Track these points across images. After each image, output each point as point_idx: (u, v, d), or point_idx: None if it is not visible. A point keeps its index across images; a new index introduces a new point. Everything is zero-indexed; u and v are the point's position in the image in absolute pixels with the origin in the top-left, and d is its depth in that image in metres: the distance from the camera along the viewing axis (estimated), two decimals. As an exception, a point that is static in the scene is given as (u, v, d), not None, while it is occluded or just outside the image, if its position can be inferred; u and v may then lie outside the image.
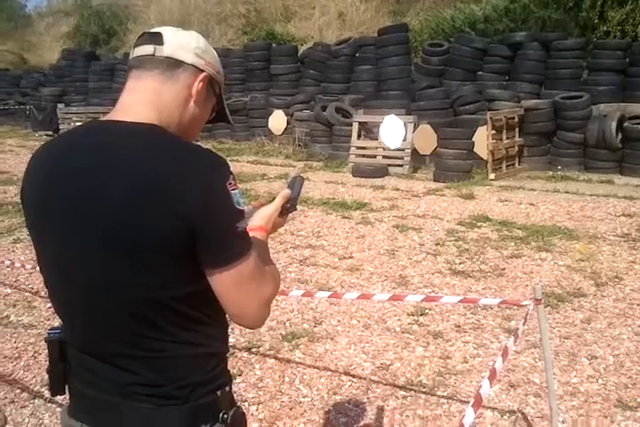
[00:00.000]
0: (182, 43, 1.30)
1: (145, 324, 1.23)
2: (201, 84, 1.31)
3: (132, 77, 1.31)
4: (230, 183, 1.20)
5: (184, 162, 1.18)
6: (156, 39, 1.29)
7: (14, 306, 4.46)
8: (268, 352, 3.64)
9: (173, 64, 1.29)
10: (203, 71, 1.32)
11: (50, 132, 15.27)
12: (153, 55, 1.28)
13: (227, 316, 1.30)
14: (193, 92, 1.31)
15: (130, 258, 1.18)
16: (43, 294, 4.67)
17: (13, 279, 5.01)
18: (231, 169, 1.23)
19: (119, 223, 1.16)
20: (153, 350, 1.26)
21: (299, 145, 11.41)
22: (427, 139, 9.73)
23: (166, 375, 1.27)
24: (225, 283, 1.22)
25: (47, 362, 3.54)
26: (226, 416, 1.30)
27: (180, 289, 1.22)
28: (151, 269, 1.19)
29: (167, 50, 1.28)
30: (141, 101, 1.27)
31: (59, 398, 3.12)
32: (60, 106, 14.06)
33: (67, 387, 1.40)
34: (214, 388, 1.30)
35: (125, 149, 1.19)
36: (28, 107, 16.61)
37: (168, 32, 1.31)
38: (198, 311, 1.25)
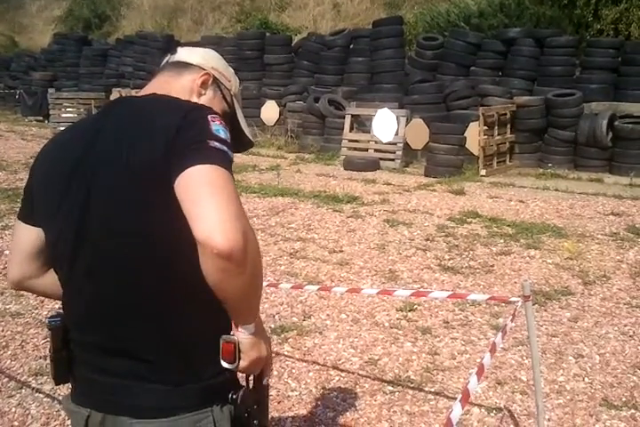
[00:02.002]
0: (192, 51, 1.54)
1: (155, 296, 1.26)
2: (201, 79, 1.48)
3: (152, 79, 1.52)
4: (213, 116, 1.29)
5: (171, 105, 1.34)
6: (173, 50, 1.55)
7: (2, 294, 4.43)
8: (257, 345, 3.64)
9: (182, 65, 1.50)
10: (205, 70, 1.50)
11: (40, 118, 15.14)
12: (167, 62, 1.54)
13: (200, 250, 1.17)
14: (197, 84, 1.48)
15: (128, 191, 1.24)
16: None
17: (1, 267, 4.98)
18: (218, 113, 1.34)
19: (120, 159, 1.25)
20: (164, 328, 1.28)
21: (291, 136, 11.38)
22: (419, 133, 9.74)
23: (177, 355, 1.29)
24: (194, 180, 1.17)
25: (35, 351, 3.52)
26: (235, 397, 1.33)
27: (169, 227, 1.21)
28: (145, 203, 1.23)
29: (177, 56, 1.53)
30: (154, 89, 1.45)
31: (46, 388, 3.14)
32: (50, 91, 13.91)
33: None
34: (222, 368, 1.31)
35: (123, 107, 1.39)
36: (17, 91, 16.44)
37: (185, 50, 1.56)
38: (203, 282, 1.22)
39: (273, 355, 3.47)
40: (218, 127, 1.26)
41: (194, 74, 1.48)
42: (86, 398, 1.36)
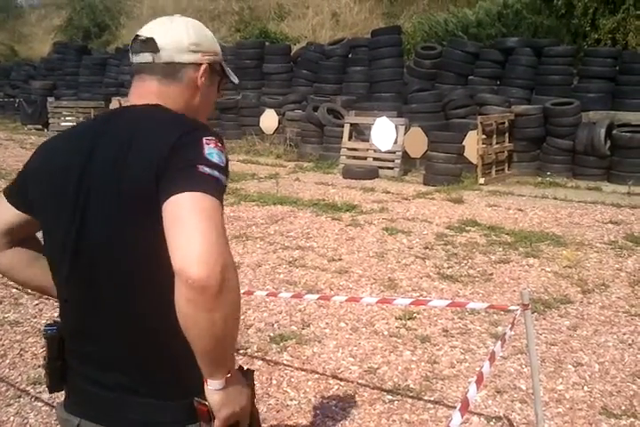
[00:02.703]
0: (176, 44, 1.37)
1: (149, 312, 1.25)
2: (203, 76, 1.41)
3: (137, 81, 1.41)
4: (208, 139, 1.24)
5: (167, 125, 1.29)
6: (151, 46, 1.36)
7: (0, 303, 4.43)
8: (256, 354, 3.64)
9: (173, 68, 1.38)
10: (202, 64, 1.40)
11: (39, 126, 15.17)
12: (152, 62, 1.37)
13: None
14: (199, 85, 1.41)
15: (121, 211, 1.23)
16: (29, 291, 4.63)
17: None
18: (217, 135, 1.28)
19: (114, 178, 1.23)
20: (156, 344, 1.27)
21: (290, 145, 11.40)
22: (417, 142, 9.76)
23: (169, 371, 1.28)
24: (178, 208, 1.13)
25: (33, 360, 3.51)
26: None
27: (157, 249, 1.17)
28: (135, 222, 1.22)
29: (164, 57, 1.36)
30: (148, 100, 1.36)
31: (45, 396, 3.13)
32: (50, 99, 13.96)
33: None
34: None
35: (123, 118, 1.35)
36: (17, 100, 16.48)
37: (159, 35, 1.36)
38: None
39: (272, 364, 3.48)
40: (212, 151, 1.21)
41: (192, 74, 1.39)
42: (78, 407, 1.37)
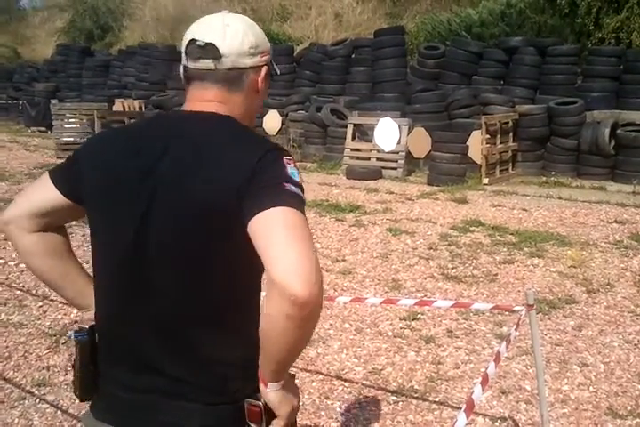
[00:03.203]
0: (238, 49, 1.32)
1: (197, 317, 1.26)
2: (264, 77, 1.38)
3: (196, 87, 1.36)
4: (288, 159, 1.25)
5: (244, 143, 1.28)
6: (212, 52, 1.30)
7: (5, 304, 4.43)
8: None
9: (236, 74, 1.34)
10: (262, 66, 1.38)
11: (43, 128, 15.19)
12: (215, 69, 1.32)
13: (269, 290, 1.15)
14: (260, 88, 1.39)
15: (192, 230, 1.22)
16: (34, 292, 4.64)
17: (4, 277, 4.98)
18: (291, 155, 1.29)
19: (192, 198, 1.22)
20: (207, 336, 1.27)
21: (293, 146, 11.39)
22: (421, 142, 9.75)
23: (211, 375, 1.28)
24: (272, 222, 1.14)
25: (37, 362, 3.51)
26: (267, 417, 1.29)
27: (229, 264, 1.23)
28: (208, 243, 1.22)
29: (227, 63, 1.32)
30: (211, 107, 1.33)
31: (49, 398, 3.13)
32: (53, 101, 13.96)
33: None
34: (256, 387, 1.27)
35: (193, 124, 1.31)
36: (20, 102, 16.51)
37: (219, 40, 1.31)
38: (246, 295, 1.25)
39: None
40: (293, 171, 1.23)
41: (254, 77, 1.36)
42: (111, 414, 1.34)
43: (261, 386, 1.25)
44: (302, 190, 1.23)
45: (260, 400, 1.25)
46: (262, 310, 1.17)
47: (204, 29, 1.33)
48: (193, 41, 1.32)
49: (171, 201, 1.24)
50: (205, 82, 1.33)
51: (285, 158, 1.25)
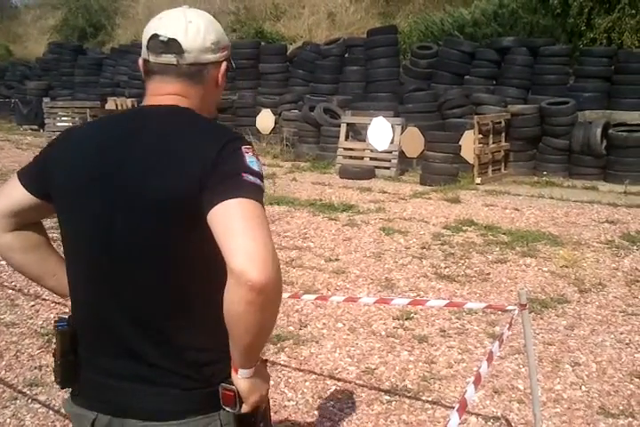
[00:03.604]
0: (200, 45, 1.36)
1: (168, 305, 1.30)
2: (224, 73, 1.44)
3: (158, 81, 1.40)
4: (247, 148, 1.30)
5: (208, 134, 1.32)
6: (175, 48, 1.35)
7: (-4, 304, 4.42)
8: (254, 355, 3.62)
9: (198, 69, 1.38)
10: (222, 62, 1.42)
11: (35, 127, 15.11)
12: (177, 64, 1.36)
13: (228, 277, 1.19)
14: (220, 82, 1.44)
15: (156, 218, 1.26)
16: (25, 291, 4.62)
17: (-4, 277, 4.96)
18: (250, 143, 1.34)
19: (152, 190, 1.26)
20: (177, 321, 1.31)
21: (286, 145, 11.38)
22: (414, 142, 9.76)
23: (186, 362, 1.31)
24: (230, 213, 1.19)
25: (29, 361, 3.50)
26: (241, 401, 1.33)
27: (194, 254, 1.27)
28: (178, 234, 1.26)
29: (189, 58, 1.36)
30: (171, 100, 1.37)
31: (41, 398, 3.12)
32: (45, 100, 13.90)
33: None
34: (229, 374, 1.32)
35: (152, 119, 1.35)
36: (12, 100, 16.41)
37: (181, 36, 1.34)
38: (213, 284, 1.26)
39: (269, 364, 3.47)
40: (252, 159, 1.28)
41: (214, 72, 1.42)
42: (92, 400, 1.38)
43: (233, 373, 1.30)
44: (261, 178, 1.28)
45: (233, 385, 1.31)
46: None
47: (166, 25, 1.36)
48: (155, 36, 1.35)
49: (134, 195, 1.27)
50: (166, 76, 1.38)
51: (244, 148, 1.29)
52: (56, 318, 1.48)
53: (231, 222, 1.19)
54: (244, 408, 1.32)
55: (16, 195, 1.43)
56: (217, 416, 1.33)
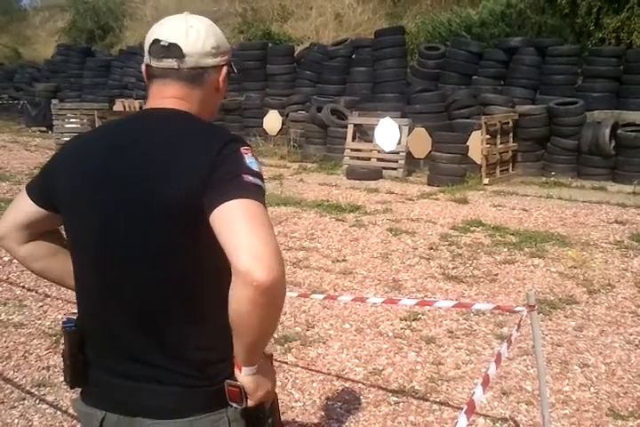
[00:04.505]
0: (201, 50, 1.39)
1: (168, 296, 1.31)
2: (224, 75, 1.45)
3: (158, 84, 1.42)
4: (245, 149, 1.31)
5: (203, 137, 1.33)
6: (176, 52, 1.37)
7: (5, 304, 4.43)
8: (261, 355, 3.62)
9: (198, 73, 1.40)
10: (223, 66, 1.44)
11: (43, 128, 15.18)
12: (178, 68, 1.39)
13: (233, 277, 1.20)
14: (220, 87, 1.46)
15: (160, 220, 1.27)
16: (34, 292, 4.64)
17: (4, 277, 4.98)
18: (248, 144, 1.35)
19: (154, 194, 1.27)
20: (180, 323, 1.32)
21: (293, 146, 11.38)
22: (421, 142, 9.74)
23: (189, 363, 1.32)
24: (232, 213, 1.20)
25: (37, 362, 3.51)
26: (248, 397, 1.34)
27: (197, 255, 1.28)
28: (181, 237, 1.27)
29: (190, 62, 1.38)
30: (171, 103, 1.39)
31: (49, 398, 3.13)
32: (54, 102, 13.95)
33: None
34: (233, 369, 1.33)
35: (151, 124, 1.37)
36: (21, 102, 16.50)
37: (182, 40, 1.37)
38: (222, 282, 1.26)
39: (276, 365, 3.47)
40: (251, 160, 1.29)
41: (215, 76, 1.43)
42: (101, 399, 1.39)
43: (236, 371, 1.31)
44: (261, 179, 1.28)
45: (239, 383, 1.32)
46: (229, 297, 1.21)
47: (167, 30, 1.39)
48: (157, 41, 1.38)
49: (137, 198, 1.29)
50: (167, 79, 1.40)
51: (243, 149, 1.30)
52: (64, 319, 1.49)
53: (234, 223, 1.19)
54: (250, 404, 1.33)
55: (26, 208, 1.47)
56: (224, 413, 1.35)
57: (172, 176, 1.27)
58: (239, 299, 1.18)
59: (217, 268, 1.25)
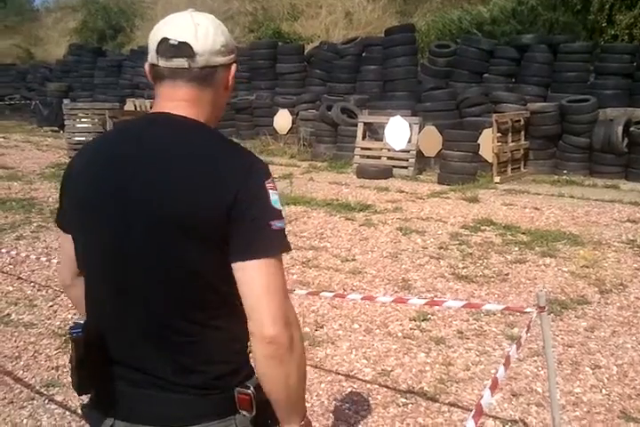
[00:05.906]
0: (211, 48, 1.34)
1: (179, 310, 1.31)
2: (233, 73, 1.42)
3: (167, 86, 1.37)
4: (269, 183, 1.32)
5: (231, 158, 1.31)
6: (187, 51, 1.32)
7: (15, 304, 4.45)
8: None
9: (208, 72, 1.36)
10: (231, 64, 1.41)
11: (55, 128, 15.28)
12: (188, 68, 1.34)
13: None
14: (229, 85, 1.43)
15: (179, 240, 1.26)
16: (44, 292, 4.66)
17: (15, 277, 5.00)
18: (270, 173, 1.35)
19: (172, 209, 1.26)
20: (188, 336, 1.32)
21: (303, 145, 11.37)
22: (432, 140, 9.70)
23: (202, 364, 1.32)
24: (254, 276, 1.25)
25: (47, 362, 3.51)
26: (257, 404, 1.34)
27: (215, 272, 1.29)
28: (194, 252, 1.27)
29: (201, 61, 1.34)
30: (183, 107, 1.36)
31: (58, 398, 3.13)
32: (65, 101, 14.02)
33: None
34: (246, 374, 1.35)
35: (178, 141, 1.33)
36: (33, 102, 16.61)
37: (191, 39, 1.32)
38: (230, 295, 1.29)
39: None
40: (275, 197, 1.31)
41: (224, 74, 1.40)
42: (109, 406, 1.38)
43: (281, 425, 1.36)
44: (282, 217, 1.31)
45: (249, 389, 1.33)
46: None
47: (175, 29, 1.34)
48: (165, 40, 1.32)
49: (150, 215, 1.27)
50: (178, 80, 1.35)
51: (268, 184, 1.31)
52: (71, 324, 1.47)
53: (254, 284, 1.26)
54: None
55: (66, 244, 1.45)
56: (233, 420, 1.34)
57: (190, 196, 1.25)
58: (258, 357, 1.27)
59: (229, 284, 1.27)
